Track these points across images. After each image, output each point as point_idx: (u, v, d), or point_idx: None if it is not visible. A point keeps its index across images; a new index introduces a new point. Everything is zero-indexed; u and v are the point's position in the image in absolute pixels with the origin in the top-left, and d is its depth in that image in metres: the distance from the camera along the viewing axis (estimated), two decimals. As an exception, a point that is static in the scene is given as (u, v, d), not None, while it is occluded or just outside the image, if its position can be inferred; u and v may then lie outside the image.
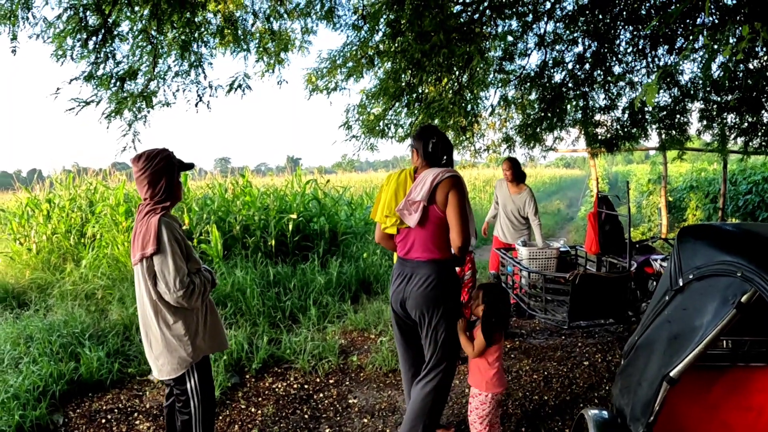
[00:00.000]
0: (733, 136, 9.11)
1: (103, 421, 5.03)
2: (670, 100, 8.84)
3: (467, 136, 9.85)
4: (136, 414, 5.16)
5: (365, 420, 5.03)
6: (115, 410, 5.20)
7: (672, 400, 3.13)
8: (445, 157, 4.02)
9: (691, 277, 2.55)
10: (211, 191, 11.75)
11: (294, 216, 9.90)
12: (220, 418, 5.08)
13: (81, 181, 12.10)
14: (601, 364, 6.04)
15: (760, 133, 8.72)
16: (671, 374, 2.41)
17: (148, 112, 6.54)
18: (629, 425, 2.74)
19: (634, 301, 5.95)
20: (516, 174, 7.71)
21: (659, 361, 2.59)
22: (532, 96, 9.14)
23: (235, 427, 4.94)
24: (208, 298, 3.65)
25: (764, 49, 6.75)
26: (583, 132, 9.72)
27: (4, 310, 7.96)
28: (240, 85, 7.05)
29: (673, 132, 9.13)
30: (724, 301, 2.23)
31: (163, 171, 3.42)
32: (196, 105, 6.81)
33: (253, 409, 5.22)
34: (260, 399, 5.44)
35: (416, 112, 8.19)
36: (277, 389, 5.65)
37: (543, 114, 8.77)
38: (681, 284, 2.62)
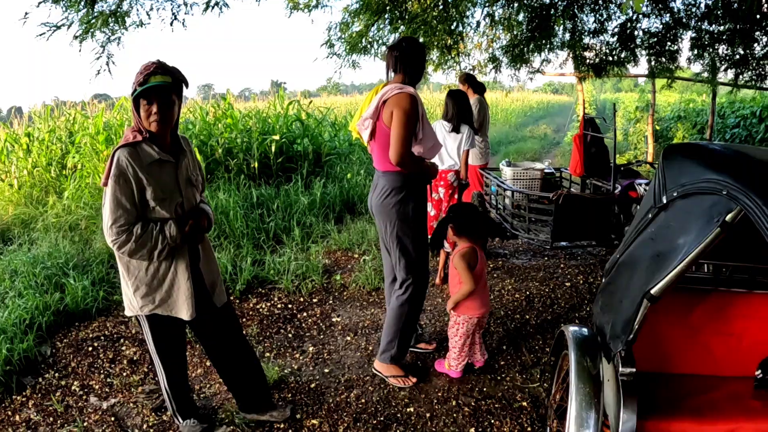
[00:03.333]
0: (723, 68, 8.98)
1: (90, 349, 5.12)
2: (661, 26, 8.63)
3: (452, 55, 9.73)
4: (122, 340, 5.27)
5: (348, 338, 5.14)
6: (102, 338, 5.30)
7: (652, 320, 3.12)
8: (408, 72, 4.02)
9: (675, 194, 2.51)
10: (192, 115, 11.64)
11: (277, 137, 9.85)
12: None
13: (59, 113, 11.95)
14: (582, 286, 6.14)
15: (751, 66, 8.59)
16: (652, 291, 2.36)
17: (122, 33, 6.36)
18: (609, 342, 2.74)
19: (618, 225, 5.96)
20: (475, 88, 7.69)
21: (641, 278, 2.56)
22: (520, 17, 8.96)
23: (221, 348, 5.05)
24: (165, 257, 3.21)
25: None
26: (571, 55, 9.58)
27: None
28: (217, 3, 6.81)
29: (663, 59, 8.95)
30: (709, 219, 2.18)
31: (132, 95, 3.04)
32: (171, 24, 6.61)
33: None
34: (245, 320, 5.55)
35: (399, 28, 8.08)
36: (261, 309, 5.76)
37: (530, 35, 8.61)
38: (665, 201, 2.60)
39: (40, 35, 5.72)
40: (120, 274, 3.30)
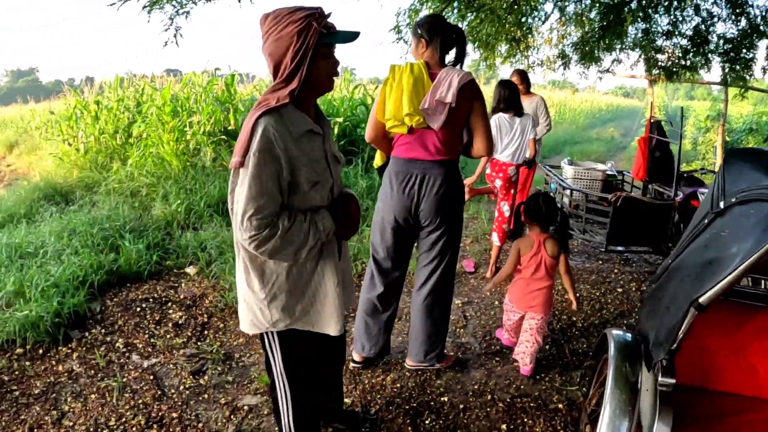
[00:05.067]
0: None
1: (138, 309, 5.20)
2: (736, 32, 8.28)
3: (521, 48, 9.56)
4: (170, 303, 5.34)
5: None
6: (150, 300, 5.37)
7: (698, 332, 2.99)
8: (463, 56, 3.87)
9: (733, 200, 2.38)
10: (257, 93, 11.72)
11: (340, 120, 9.86)
12: None
13: (129, 84, 12.18)
14: (634, 293, 5.94)
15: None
16: (700, 300, 2.19)
17: (191, 7, 6.40)
18: (651, 350, 2.58)
19: (676, 234, 5.75)
20: (528, 85, 7.50)
21: (690, 286, 2.40)
22: (592, 13, 8.75)
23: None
24: (312, 257, 2.56)
25: None
26: (642, 56, 9.32)
27: (50, 205, 8.19)
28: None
29: (737, 67, 8.55)
30: (766, 228, 2.04)
31: (290, 40, 2.27)
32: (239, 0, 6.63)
33: None
34: None
35: (467, 16, 7.97)
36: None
37: (602, 32, 8.40)
38: (722, 207, 2.46)
39: (111, 4, 5.80)
40: (242, 282, 2.59)
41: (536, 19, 8.72)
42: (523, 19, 8.06)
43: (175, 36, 6.11)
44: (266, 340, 2.71)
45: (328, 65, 2.40)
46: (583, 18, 8.82)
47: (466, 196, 6.39)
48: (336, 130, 9.81)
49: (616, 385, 2.65)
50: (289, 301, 2.56)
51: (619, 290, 6.01)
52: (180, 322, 5.05)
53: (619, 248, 5.96)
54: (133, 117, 10.31)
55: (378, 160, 4.34)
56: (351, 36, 2.42)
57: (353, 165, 9.46)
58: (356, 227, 2.76)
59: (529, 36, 9.39)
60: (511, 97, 5.90)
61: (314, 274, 2.59)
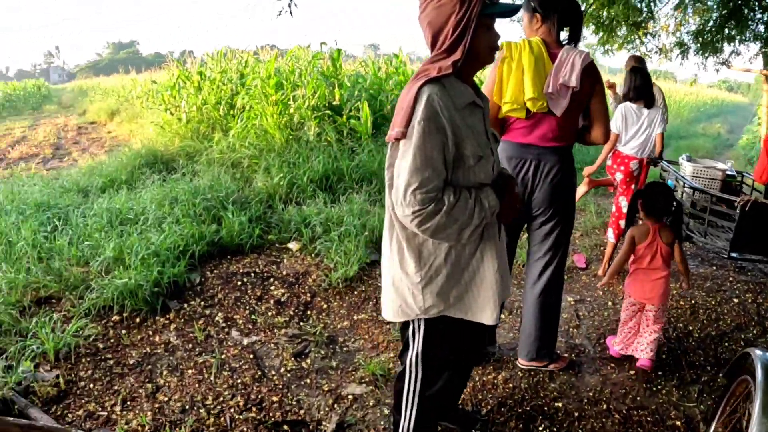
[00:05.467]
0: None
1: (239, 283, 4.98)
2: None
3: (639, 33, 9.10)
4: (271, 279, 5.10)
5: (503, 315, 4.74)
6: (252, 274, 5.15)
7: None
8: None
9: None
10: (363, 69, 11.46)
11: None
12: (355, 293, 4.94)
13: (232, 56, 12.09)
14: (751, 305, 5.35)
15: None
16: None
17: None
18: None
19: None
20: None
21: None
22: (710, 2, 8.22)
23: (369, 303, 4.80)
24: (473, 239, 2.36)
25: None
26: (763, 49, 8.70)
27: (152, 173, 8.12)
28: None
29: None
30: None
31: (452, 8, 2.13)
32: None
33: None
34: None
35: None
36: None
37: (723, 22, 7.83)
38: None
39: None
40: (395, 264, 2.41)
41: (657, 7, 8.25)
42: (645, 2, 7.58)
43: (289, 5, 5.92)
44: (410, 328, 2.52)
45: (490, 37, 2.25)
46: (703, 4, 8.28)
47: (585, 188, 5.96)
48: (374, 108, 9.42)
49: (765, 413, 2.31)
50: (444, 286, 2.37)
51: (735, 300, 5.44)
52: (282, 299, 4.79)
53: (744, 256, 5.41)
54: (236, 89, 10.17)
55: None
56: (512, 9, 2.31)
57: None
58: (518, 209, 2.54)
59: (650, 21, 8.92)
60: (643, 85, 5.45)
61: (473, 258, 2.40)
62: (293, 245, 5.69)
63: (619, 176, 5.55)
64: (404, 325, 2.56)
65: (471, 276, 2.41)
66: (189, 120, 10.00)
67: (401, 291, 2.40)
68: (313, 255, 5.54)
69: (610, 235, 5.64)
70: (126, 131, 15.06)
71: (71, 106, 31.41)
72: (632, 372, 4.00)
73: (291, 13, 5.90)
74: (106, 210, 6.03)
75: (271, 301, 4.75)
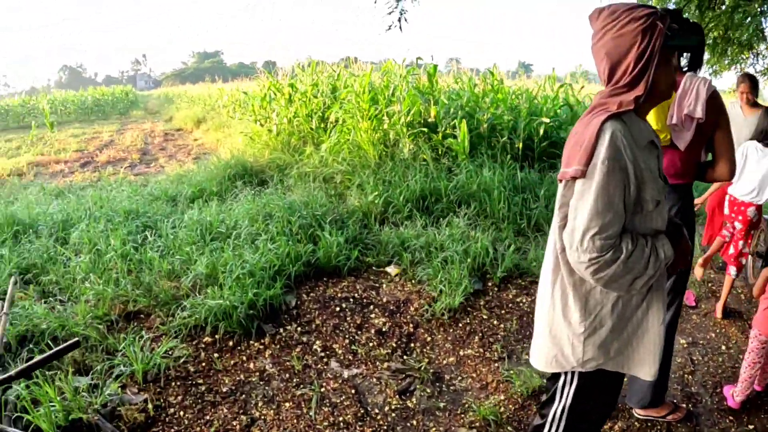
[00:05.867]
0: None
1: (337, 309, 4.69)
2: None
3: (746, 54, 8.61)
4: (371, 307, 4.78)
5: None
6: (351, 300, 4.85)
7: None
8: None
9: None
10: (458, 86, 11.08)
11: (547, 120, 9.04)
12: (460, 325, 4.55)
13: (323, 69, 11.91)
14: None
15: None
16: None
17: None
18: None
19: None
20: (756, 94, 6.25)
21: None
22: None
23: (475, 338, 4.41)
24: (647, 292, 2.16)
25: None
26: None
27: (242, 184, 7.96)
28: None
29: None
30: None
31: (633, 39, 1.96)
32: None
33: (495, 322, 4.65)
34: (503, 311, 4.85)
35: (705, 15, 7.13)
36: (521, 303, 5.01)
37: None
38: None
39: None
40: (557, 312, 2.19)
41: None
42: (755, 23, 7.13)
43: (399, 20, 5.67)
44: (561, 380, 2.30)
45: (669, 71, 2.09)
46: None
47: (700, 269, 5.34)
48: (540, 131, 8.99)
49: None
50: (607, 338, 2.16)
51: None
52: (383, 329, 4.47)
53: None
54: (327, 102, 9.97)
55: None
56: (697, 42, 2.25)
57: (557, 170, 8.56)
58: (689, 260, 2.30)
59: (761, 40, 8.43)
60: None
61: (638, 309, 2.17)
62: (392, 269, 5.38)
63: (738, 225, 5.08)
64: (554, 376, 2.35)
65: (634, 328, 2.18)
66: (279, 132, 9.86)
67: (559, 340, 2.20)
68: (413, 281, 5.19)
69: (732, 271, 5.16)
70: (212, 139, 15.12)
71: (157, 113, 32.21)
72: (751, 426, 3.60)
73: (401, 27, 5.65)
74: (197, 222, 5.87)
75: (372, 331, 4.43)
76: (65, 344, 3.42)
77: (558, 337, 2.20)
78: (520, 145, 8.73)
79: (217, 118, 18.20)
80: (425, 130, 8.25)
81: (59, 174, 12.60)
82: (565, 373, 2.27)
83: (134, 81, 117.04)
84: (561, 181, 2.07)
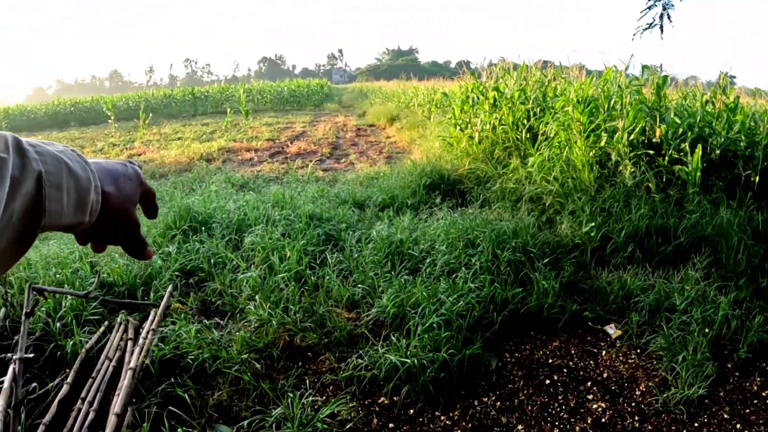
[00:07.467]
0: None
1: (547, 381, 3.67)
2: None
3: None
4: (589, 384, 3.67)
5: None
6: (564, 369, 3.80)
7: None
8: None
9: None
10: (685, 100, 9.52)
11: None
12: (696, 425, 3.35)
13: (533, 72, 10.81)
14: None
15: None
16: None
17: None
18: None
19: None
20: None
21: None
22: None
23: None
24: None
25: None
26: None
27: (437, 195, 7.29)
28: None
29: None
30: None
31: None
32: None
33: (738, 426, 3.36)
34: (746, 410, 3.51)
35: None
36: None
37: None
38: None
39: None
40: None
41: None
42: None
43: (661, 17, 4.73)
44: None
45: None
46: None
47: None
48: (701, 150, 7.40)
49: None
50: None
51: None
52: (603, 419, 3.36)
53: None
54: (536, 111, 8.94)
55: None
56: None
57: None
58: None
59: None
60: None
61: None
62: (611, 330, 4.26)
63: None
64: None
65: None
66: (481, 140, 9.02)
67: None
68: (638, 350, 4.03)
69: None
70: (406, 138, 14.57)
71: (350, 106, 32.57)
72: None
73: (662, 28, 4.68)
74: (386, 239, 5.17)
75: (589, 420, 3.33)
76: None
77: None
78: (757, 179, 7.27)
79: (412, 117, 17.71)
80: (651, 152, 7.09)
81: (248, 162, 12.53)
82: None
83: (330, 75, 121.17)
84: None
